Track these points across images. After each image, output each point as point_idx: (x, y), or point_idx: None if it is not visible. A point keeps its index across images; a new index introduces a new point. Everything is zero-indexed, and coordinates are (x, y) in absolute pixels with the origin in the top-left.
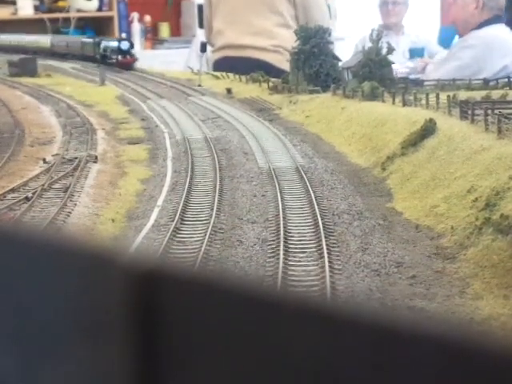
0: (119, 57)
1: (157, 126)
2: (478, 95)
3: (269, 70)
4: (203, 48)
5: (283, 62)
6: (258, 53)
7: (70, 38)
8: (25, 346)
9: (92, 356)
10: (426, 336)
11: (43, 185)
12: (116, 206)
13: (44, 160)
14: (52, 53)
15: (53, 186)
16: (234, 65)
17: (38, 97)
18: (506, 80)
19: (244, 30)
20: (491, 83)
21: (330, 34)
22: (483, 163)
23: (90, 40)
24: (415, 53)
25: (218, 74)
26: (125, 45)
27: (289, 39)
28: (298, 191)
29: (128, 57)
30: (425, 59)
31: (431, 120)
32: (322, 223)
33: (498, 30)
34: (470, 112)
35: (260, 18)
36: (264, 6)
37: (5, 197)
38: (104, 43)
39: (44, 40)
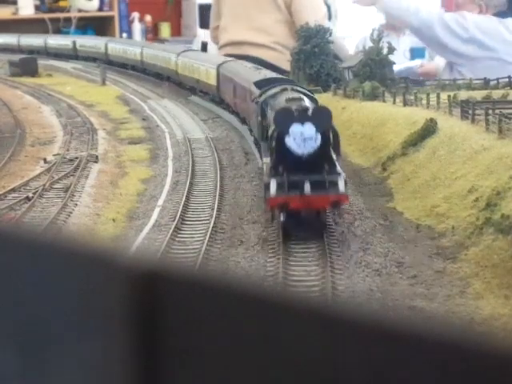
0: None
1: (157, 125)
2: (478, 95)
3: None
4: (204, 48)
5: (281, 61)
6: (256, 50)
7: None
8: (26, 345)
9: (93, 355)
10: (427, 336)
11: (44, 185)
12: (117, 206)
13: (45, 160)
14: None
15: (53, 186)
16: None
17: (39, 97)
18: (507, 80)
19: (245, 26)
20: (492, 83)
21: (330, 34)
22: (484, 163)
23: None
24: (416, 53)
25: None
26: (306, 146)
27: (287, 36)
28: None
29: (306, 193)
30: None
31: (432, 120)
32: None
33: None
34: (470, 112)
35: (261, 14)
36: (266, 0)
37: (6, 196)
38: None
39: (210, 76)
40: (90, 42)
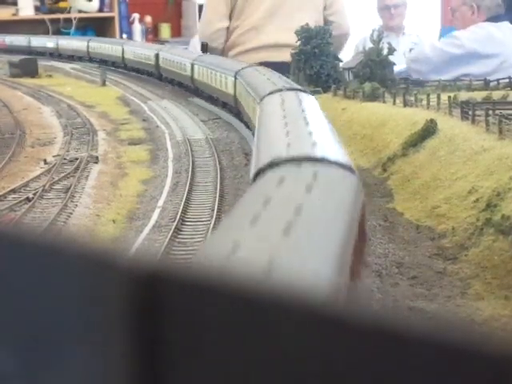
0: None
1: (157, 126)
2: (478, 96)
3: None
4: (203, 49)
5: None
6: None
7: None
8: (25, 346)
9: (92, 356)
10: (427, 336)
11: (44, 185)
12: (117, 207)
13: (45, 161)
14: None
15: (54, 187)
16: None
17: (39, 97)
18: (507, 81)
19: (283, 25)
20: (492, 84)
21: (330, 35)
22: (484, 164)
23: None
24: None
25: None
26: None
27: None
28: None
29: None
30: None
31: (432, 120)
32: None
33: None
34: (470, 113)
35: (300, 12)
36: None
37: (5, 197)
38: None
39: None
40: (175, 59)
